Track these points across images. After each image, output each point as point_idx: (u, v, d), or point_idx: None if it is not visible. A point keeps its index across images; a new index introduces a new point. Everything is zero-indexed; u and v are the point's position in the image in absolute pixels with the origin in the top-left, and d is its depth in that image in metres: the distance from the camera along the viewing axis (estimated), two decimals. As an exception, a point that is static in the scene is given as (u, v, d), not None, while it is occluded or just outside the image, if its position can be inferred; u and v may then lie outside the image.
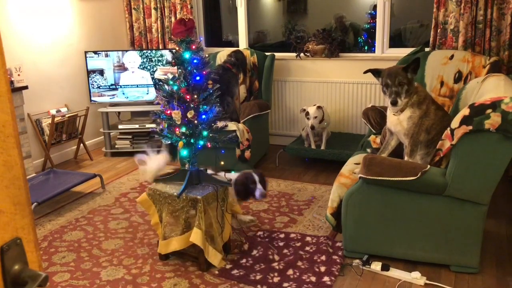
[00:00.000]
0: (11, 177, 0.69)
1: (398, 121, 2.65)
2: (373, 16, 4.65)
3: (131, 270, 2.64)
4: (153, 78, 4.78)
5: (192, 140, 2.57)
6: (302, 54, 4.62)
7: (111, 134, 4.82)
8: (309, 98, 4.66)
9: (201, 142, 2.59)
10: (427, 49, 3.80)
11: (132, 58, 4.77)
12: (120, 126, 4.78)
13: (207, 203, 2.52)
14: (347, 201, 2.58)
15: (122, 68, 4.78)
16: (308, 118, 4.05)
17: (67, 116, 4.47)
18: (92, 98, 4.78)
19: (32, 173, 4.04)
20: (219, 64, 4.39)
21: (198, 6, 5.17)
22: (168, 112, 2.55)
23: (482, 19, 3.63)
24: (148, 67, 4.78)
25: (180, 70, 2.56)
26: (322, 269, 2.55)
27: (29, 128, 4.22)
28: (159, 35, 5.11)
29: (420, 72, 3.52)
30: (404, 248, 2.55)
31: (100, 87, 4.78)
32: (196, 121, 2.54)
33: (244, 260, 2.67)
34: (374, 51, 4.47)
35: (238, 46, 5.07)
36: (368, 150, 3.21)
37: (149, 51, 4.79)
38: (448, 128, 2.30)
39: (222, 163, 2.80)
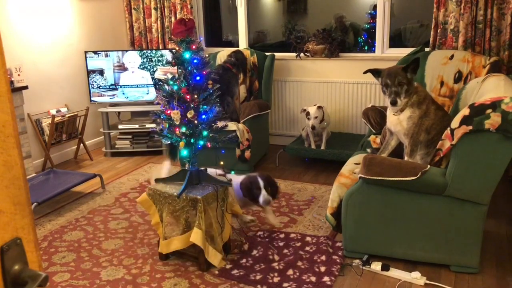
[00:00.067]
0: (11, 177, 0.69)
1: (398, 121, 2.65)
2: (373, 16, 4.65)
3: (131, 270, 2.64)
4: (153, 78, 4.78)
5: (192, 140, 2.57)
6: (302, 54, 4.62)
7: (111, 134, 4.82)
8: (309, 98, 4.66)
9: (201, 142, 2.59)
10: (427, 49, 3.81)
11: (132, 58, 4.77)
12: (120, 126, 4.78)
13: (207, 203, 2.52)
14: (347, 201, 2.58)
15: (122, 68, 4.78)
16: (308, 118, 4.05)
17: (67, 116, 4.47)
18: (92, 98, 4.79)
19: (32, 173, 4.04)
20: (219, 64, 4.39)
21: (198, 6, 5.17)
22: (168, 112, 2.55)
23: (482, 19, 3.63)
24: (148, 67, 4.79)
25: (180, 70, 2.56)
26: (322, 269, 2.55)
27: (29, 128, 4.22)
28: (159, 35, 5.11)
29: (420, 72, 3.52)
30: (404, 248, 2.55)
31: (100, 87, 4.78)
32: (196, 121, 2.54)
33: (244, 260, 2.67)
34: (374, 51, 4.47)
35: (238, 46, 5.07)
36: (368, 150, 3.21)
37: (149, 51, 4.79)
38: (448, 128, 2.30)
39: (222, 163, 2.80)
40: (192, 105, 2.53)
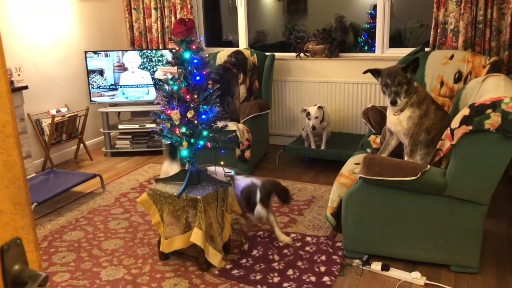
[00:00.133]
0: (11, 177, 0.69)
1: (398, 121, 2.65)
2: (373, 16, 4.65)
3: (131, 270, 2.64)
4: (153, 78, 4.78)
5: (192, 140, 2.57)
6: (302, 54, 4.62)
7: (111, 134, 4.82)
8: (309, 98, 4.66)
9: (201, 142, 2.59)
10: (427, 49, 3.81)
11: (132, 58, 4.77)
12: (120, 126, 4.78)
13: (207, 203, 2.52)
14: (347, 201, 2.58)
15: (122, 68, 4.78)
16: (309, 119, 4.05)
17: (67, 116, 4.47)
18: (92, 98, 4.79)
19: (32, 173, 4.04)
20: (219, 64, 4.40)
21: (198, 6, 5.17)
22: (168, 112, 2.55)
23: (482, 19, 3.63)
24: (148, 67, 4.79)
25: (180, 70, 2.56)
26: (322, 269, 2.55)
27: (29, 128, 4.22)
28: (159, 35, 5.11)
29: (420, 72, 3.52)
30: (404, 248, 2.55)
31: (100, 87, 4.78)
32: (196, 121, 2.54)
33: (244, 260, 2.67)
34: (374, 51, 4.47)
35: (238, 46, 5.07)
36: (368, 150, 3.21)
37: (149, 51, 4.79)
38: (448, 128, 2.30)
39: (222, 163, 2.79)
40: (192, 105, 2.53)
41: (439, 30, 3.86)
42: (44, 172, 3.90)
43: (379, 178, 2.39)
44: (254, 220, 2.80)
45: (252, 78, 4.54)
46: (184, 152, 2.60)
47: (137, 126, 4.76)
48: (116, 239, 3.02)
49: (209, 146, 2.62)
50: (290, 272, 2.54)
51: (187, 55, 2.52)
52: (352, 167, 2.85)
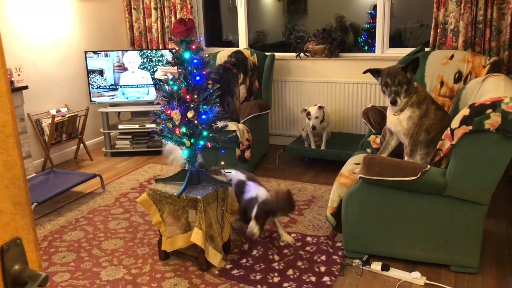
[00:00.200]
0: (11, 177, 0.69)
1: (398, 121, 2.65)
2: (373, 16, 4.65)
3: (131, 270, 2.64)
4: (153, 78, 4.78)
5: (192, 140, 2.57)
6: (302, 54, 4.62)
7: (111, 134, 4.82)
8: (309, 98, 4.66)
9: (201, 142, 2.59)
10: (427, 49, 3.81)
11: (132, 58, 4.77)
12: (120, 126, 4.78)
13: (207, 203, 2.52)
14: (347, 201, 2.58)
15: (122, 68, 4.78)
16: (309, 118, 4.05)
17: (67, 116, 4.47)
18: (92, 99, 4.79)
19: (32, 173, 4.04)
20: (220, 64, 4.40)
21: (198, 6, 5.17)
22: (168, 112, 2.55)
23: (482, 19, 3.63)
24: (148, 67, 4.79)
25: (180, 70, 2.56)
26: (322, 269, 2.55)
27: (29, 128, 4.22)
28: (159, 35, 5.11)
29: (420, 72, 3.52)
30: (404, 248, 2.55)
31: (100, 87, 4.78)
32: (196, 121, 2.54)
33: (244, 260, 2.67)
34: (374, 51, 4.47)
35: (238, 46, 5.07)
36: (368, 150, 3.21)
37: (149, 51, 4.79)
38: (448, 128, 2.30)
39: (222, 163, 2.79)
40: (192, 105, 2.53)
41: (439, 30, 3.86)
42: (44, 172, 3.90)
43: (379, 178, 2.39)
44: (247, 233, 2.70)
45: (252, 78, 4.54)
46: (184, 152, 2.60)
47: (137, 126, 4.76)
48: (116, 239, 3.02)
49: (209, 146, 2.62)
50: (290, 272, 2.54)
51: (187, 55, 2.52)
52: (352, 167, 2.85)
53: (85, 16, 4.87)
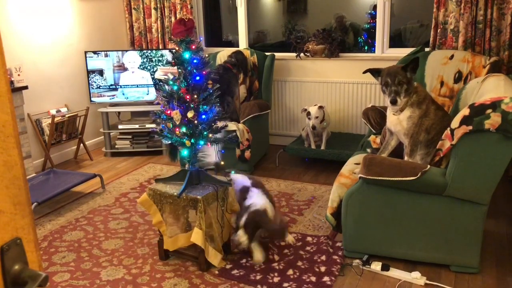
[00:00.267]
0: (11, 177, 0.69)
1: (398, 121, 2.65)
2: (373, 16, 4.65)
3: (131, 270, 2.64)
4: (153, 78, 4.78)
5: (192, 140, 2.57)
6: (302, 54, 4.62)
7: (111, 134, 4.82)
8: (309, 98, 4.66)
9: (201, 142, 2.59)
10: (427, 49, 3.81)
11: (132, 58, 4.77)
12: (120, 126, 4.78)
13: (207, 203, 2.52)
14: (347, 201, 2.58)
15: (122, 68, 4.78)
16: (309, 118, 4.05)
17: (67, 116, 4.47)
18: (92, 99, 4.79)
19: (32, 173, 4.04)
20: (220, 64, 4.40)
21: (198, 6, 5.17)
22: (168, 112, 2.55)
23: (482, 19, 3.63)
24: (148, 67, 4.78)
25: (180, 70, 2.56)
26: (322, 269, 2.55)
27: (29, 128, 4.22)
28: (159, 35, 5.11)
29: (420, 72, 3.52)
30: (404, 248, 2.55)
31: (100, 87, 4.78)
32: (196, 121, 2.54)
33: (244, 260, 2.67)
34: (374, 51, 4.47)
35: (238, 46, 5.07)
36: (368, 150, 3.21)
37: (149, 51, 4.79)
38: (448, 128, 2.30)
39: (222, 163, 2.79)
40: (192, 105, 2.53)
41: (439, 30, 3.86)
42: (44, 172, 3.90)
43: (379, 178, 2.39)
44: (234, 241, 2.57)
45: (252, 78, 4.54)
46: (184, 152, 2.60)
47: (137, 126, 4.76)
48: (116, 239, 3.02)
49: (209, 146, 2.62)
50: (290, 272, 2.54)
51: (187, 55, 2.52)
52: (352, 167, 2.85)
53: (85, 16, 4.87)
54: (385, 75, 2.62)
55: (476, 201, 2.33)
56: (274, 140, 4.91)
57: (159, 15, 5.06)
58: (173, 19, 4.98)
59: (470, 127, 2.16)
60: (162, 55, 4.75)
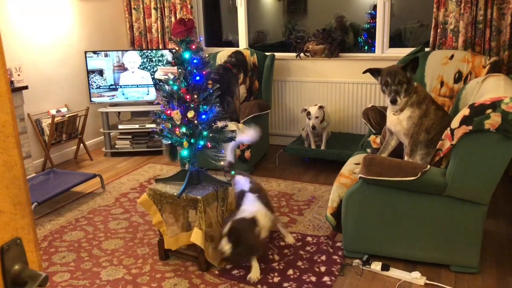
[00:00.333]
0: (11, 177, 0.69)
1: (398, 121, 2.65)
2: (373, 16, 4.65)
3: (131, 270, 2.64)
4: (153, 78, 4.78)
5: (192, 140, 2.57)
6: (302, 54, 4.62)
7: (111, 134, 4.82)
8: (309, 98, 4.66)
9: (201, 142, 2.59)
10: (427, 49, 3.81)
11: (132, 58, 4.77)
12: (120, 126, 4.78)
13: (207, 203, 2.52)
14: (347, 201, 2.58)
15: (122, 68, 4.78)
16: (309, 118, 4.05)
17: (67, 116, 4.47)
18: (92, 99, 4.78)
19: (32, 173, 4.04)
20: (220, 64, 4.40)
21: (198, 6, 5.17)
22: (169, 112, 2.55)
23: (482, 19, 3.63)
24: (148, 67, 4.78)
25: (180, 70, 2.56)
26: (322, 269, 2.55)
27: (29, 128, 4.22)
28: (159, 35, 5.11)
29: (420, 72, 3.52)
30: (404, 248, 2.55)
31: (100, 87, 4.78)
32: (196, 121, 2.54)
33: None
34: (374, 51, 4.47)
35: (238, 46, 5.07)
36: (368, 150, 3.21)
37: (149, 51, 4.79)
38: (448, 128, 2.30)
39: (222, 163, 2.79)
40: (192, 105, 2.53)
41: (439, 30, 3.86)
42: (44, 172, 3.90)
43: (379, 178, 2.39)
44: (218, 249, 2.43)
45: (252, 78, 4.54)
46: (184, 152, 2.60)
47: (137, 126, 4.76)
48: (116, 239, 3.02)
49: (209, 146, 2.62)
50: (290, 272, 2.54)
51: (187, 55, 2.52)
52: (352, 167, 2.85)
53: (85, 16, 4.87)
54: (385, 75, 2.62)
55: (476, 201, 2.33)
56: (274, 140, 4.91)
57: (159, 15, 5.06)
58: (173, 19, 4.98)
59: (470, 127, 2.16)
60: (162, 55, 4.75)
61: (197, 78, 2.53)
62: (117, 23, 5.29)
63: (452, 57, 3.51)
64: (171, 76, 2.58)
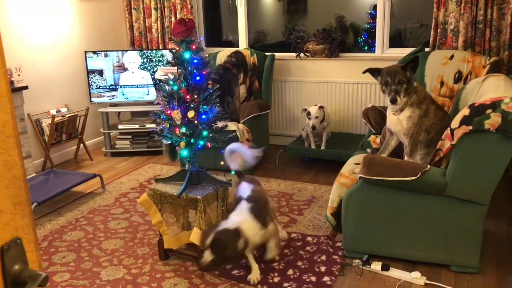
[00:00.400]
0: (11, 177, 0.69)
1: (398, 121, 2.65)
2: (373, 16, 4.65)
3: (131, 270, 2.64)
4: (153, 79, 4.78)
5: (192, 140, 2.57)
6: (302, 54, 4.62)
7: (111, 134, 4.82)
8: (309, 98, 4.66)
9: (201, 142, 2.59)
10: (427, 49, 3.81)
11: (132, 58, 4.77)
12: (120, 126, 4.78)
13: (207, 203, 2.52)
14: (347, 201, 2.58)
15: (122, 68, 4.78)
16: (309, 118, 4.05)
17: (67, 116, 4.47)
18: (92, 99, 4.78)
19: (32, 173, 4.04)
20: (220, 64, 4.40)
21: (198, 6, 5.17)
22: (168, 112, 2.55)
23: (482, 19, 3.63)
24: (148, 67, 4.78)
25: (180, 70, 2.56)
26: (322, 269, 2.55)
27: (29, 128, 4.22)
28: (159, 35, 5.11)
29: (420, 72, 3.52)
30: (404, 248, 2.55)
31: (100, 88, 4.78)
32: (196, 121, 2.54)
33: (244, 260, 2.67)
34: (374, 51, 4.47)
35: (238, 46, 5.07)
36: (368, 150, 3.21)
37: (149, 51, 4.79)
38: (448, 128, 2.30)
39: (222, 163, 2.79)
40: (192, 105, 2.53)
41: (439, 30, 3.86)
42: (44, 172, 3.90)
43: (379, 178, 2.39)
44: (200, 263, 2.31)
45: (252, 78, 4.54)
46: (184, 152, 2.60)
47: (137, 126, 4.76)
48: (116, 239, 3.02)
49: (209, 146, 2.62)
50: (290, 272, 2.54)
51: (187, 55, 2.52)
52: (352, 167, 2.85)
53: (85, 16, 4.87)
54: (385, 75, 2.62)
55: (476, 201, 2.33)
56: (274, 140, 4.91)
57: (159, 15, 5.06)
58: (173, 19, 4.98)
59: (470, 127, 2.16)
60: (162, 55, 4.75)
61: (197, 78, 2.53)
62: (117, 23, 5.29)
63: (452, 57, 3.51)
64: (171, 76, 2.58)
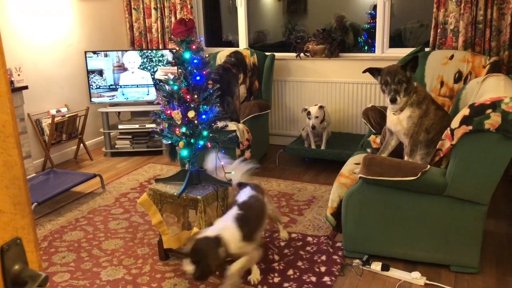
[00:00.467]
0: (11, 177, 0.69)
1: (398, 121, 2.65)
2: (373, 16, 4.65)
3: (131, 270, 2.64)
4: (153, 79, 4.78)
5: (192, 140, 2.57)
6: (302, 54, 4.62)
7: (111, 134, 4.82)
8: (309, 98, 4.66)
9: (201, 142, 2.59)
10: (427, 49, 3.81)
11: (132, 58, 4.77)
12: (120, 126, 4.78)
13: (207, 203, 2.52)
14: (347, 201, 2.58)
15: (121, 68, 4.78)
16: (309, 118, 4.05)
17: (67, 116, 4.47)
18: (92, 99, 4.78)
19: (32, 173, 4.04)
20: (219, 64, 4.40)
21: (198, 6, 5.17)
22: (168, 112, 2.55)
23: (482, 19, 3.63)
24: (148, 67, 4.78)
25: (180, 70, 2.56)
26: (322, 269, 2.55)
27: (29, 128, 4.22)
28: (159, 35, 5.11)
29: (420, 72, 3.52)
30: (404, 248, 2.55)
31: (100, 88, 4.78)
32: (196, 121, 2.54)
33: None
34: (374, 51, 4.47)
35: (238, 46, 5.07)
36: (368, 150, 3.21)
37: (149, 51, 4.79)
38: (448, 128, 2.30)
39: (222, 163, 2.79)
40: (192, 105, 2.53)
41: (439, 30, 3.86)
42: (44, 172, 3.90)
43: (379, 178, 2.39)
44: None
45: (252, 78, 4.54)
46: (184, 152, 2.60)
47: (137, 126, 4.76)
48: (116, 239, 3.02)
49: (209, 146, 2.62)
50: (290, 272, 2.54)
51: (187, 55, 2.52)
52: (352, 167, 2.85)
53: (85, 16, 4.87)
54: (385, 74, 2.62)
55: (476, 201, 2.33)
56: (274, 140, 4.91)
57: (159, 15, 5.06)
58: (173, 19, 4.98)
59: (470, 127, 2.16)
60: (162, 55, 4.75)
61: (197, 78, 2.53)
62: (117, 23, 5.29)
63: (452, 57, 3.51)
64: (171, 76, 2.58)
